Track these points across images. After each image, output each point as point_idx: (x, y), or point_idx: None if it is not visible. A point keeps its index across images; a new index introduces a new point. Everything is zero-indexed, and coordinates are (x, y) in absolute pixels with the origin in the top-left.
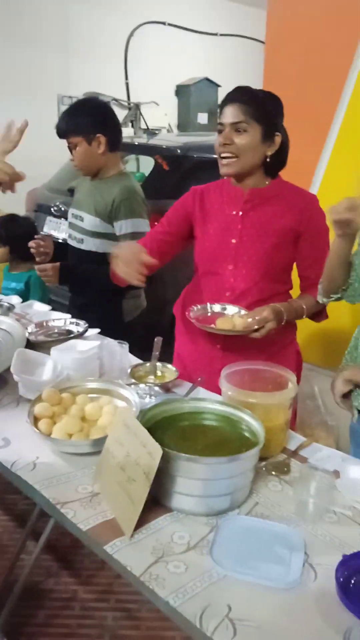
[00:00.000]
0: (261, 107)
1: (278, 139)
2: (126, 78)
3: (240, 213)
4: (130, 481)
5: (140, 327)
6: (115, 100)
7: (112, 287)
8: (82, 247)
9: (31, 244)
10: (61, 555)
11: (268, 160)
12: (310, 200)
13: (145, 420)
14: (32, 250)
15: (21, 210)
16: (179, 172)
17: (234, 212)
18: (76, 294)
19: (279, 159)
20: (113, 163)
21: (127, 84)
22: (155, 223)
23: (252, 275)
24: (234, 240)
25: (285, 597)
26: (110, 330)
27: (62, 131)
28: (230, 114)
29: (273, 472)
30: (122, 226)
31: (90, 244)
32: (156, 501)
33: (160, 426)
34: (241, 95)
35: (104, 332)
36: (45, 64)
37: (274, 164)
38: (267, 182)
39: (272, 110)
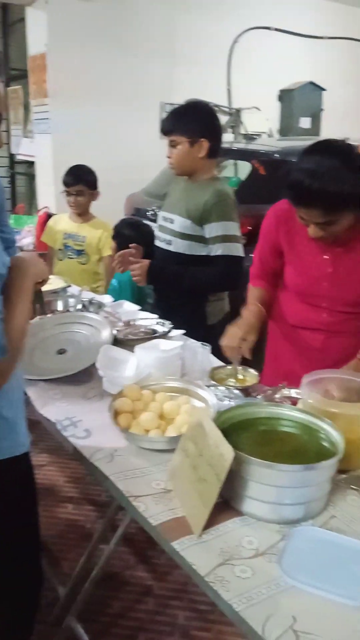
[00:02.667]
0: (342, 201)
1: None
2: (228, 84)
3: (327, 257)
4: (201, 481)
5: (223, 330)
6: (217, 106)
7: (197, 290)
8: (170, 248)
9: (120, 253)
10: (139, 549)
11: None
12: None
13: (221, 421)
14: (115, 257)
15: (121, 214)
16: (277, 177)
17: (324, 257)
18: (162, 295)
19: None
20: (208, 168)
21: (229, 90)
22: (249, 227)
23: (347, 309)
24: (325, 283)
25: (355, 616)
26: (194, 332)
27: (168, 129)
28: (313, 218)
29: (353, 486)
30: (212, 229)
31: (178, 246)
32: (228, 504)
33: (237, 429)
34: (320, 201)
35: (188, 335)
36: (149, 71)
37: None
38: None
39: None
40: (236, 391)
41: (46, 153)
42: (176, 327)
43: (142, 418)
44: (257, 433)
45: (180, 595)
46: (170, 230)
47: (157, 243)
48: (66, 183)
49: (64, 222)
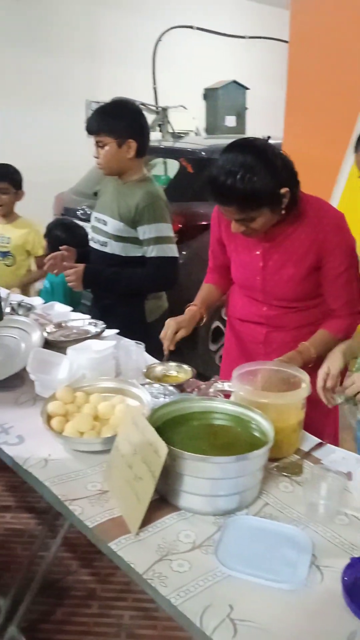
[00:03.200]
0: (256, 199)
1: (285, 200)
2: (154, 83)
3: (259, 252)
4: (137, 479)
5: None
6: (144, 104)
7: (135, 290)
8: (106, 250)
9: (51, 256)
10: (81, 553)
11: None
12: (328, 221)
13: (154, 419)
14: (45, 260)
15: (49, 215)
16: (204, 174)
17: (256, 252)
18: (99, 295)
19: (291, 202)
20: (137, 168)
21: (155, 89)
22: (179, 225)
23: (283, 304)
24: (258, 278)
25: (289, 599)
26: (133, 330)
27: (95, 128)
28: (231, 214)
29: (284, 473)
30: (145, 231)
31: (114, 248)
32: (164, 500)
33: (171, 425)
34: (234, 197)
35: (127, 333)
36: (73, 70)
37: (288, 205)
38: (283, 213)
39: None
40: (171, 388)
41: None
42: (115, 326)
43: (75, 420)
44: (191, 428)
45: (124, 595)
46: (104, 232)
47: (92, 244)
48: None
49: None
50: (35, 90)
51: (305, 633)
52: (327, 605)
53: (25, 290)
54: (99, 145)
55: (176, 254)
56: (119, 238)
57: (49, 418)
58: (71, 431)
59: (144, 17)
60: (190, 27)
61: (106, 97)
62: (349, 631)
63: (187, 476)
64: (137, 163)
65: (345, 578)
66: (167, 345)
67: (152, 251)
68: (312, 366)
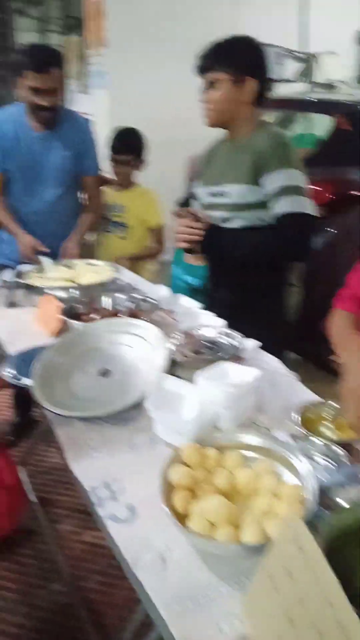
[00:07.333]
0: None
1: None
2: (301, 24)
3: None
4: None
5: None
6: (291, 52)
7: (259, 255)
8: (229, 226)
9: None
10: None
11: None
12: None
13: (329, 533)
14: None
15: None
16: None
17: None
18: (217, 282)
19: None
20: (253, 119)
21: (301, 32)
22: (330, 196)
23: None
24: None
25: None
26: (269, 335)
27: (208, 64)
28: None
29: None
30: (272, 180)
31: (239, 221)
32: None
33: (350, 542)
34: None
35: (262, 336)
36: (212, 14)
37: None
38: None
39: None
40: (336, 448)
41: (103, 110)
42: (244, 328)
43: (205, 505)
44: None
45: None
46: (224, 205)
47: None
48: (114, 149)
49: (106, 191)
50: (168, 34)
51: None
52: None
53: (134, 266)
54: (210, 85)
55: (312, 212)
56: (245, 207)
57: (168, 489)
58: (199, 521)
59: None
60: None
61: None
62: None
63: None
64: (254, 113)
65: None
66: None
67: (280, 206)
68: None
